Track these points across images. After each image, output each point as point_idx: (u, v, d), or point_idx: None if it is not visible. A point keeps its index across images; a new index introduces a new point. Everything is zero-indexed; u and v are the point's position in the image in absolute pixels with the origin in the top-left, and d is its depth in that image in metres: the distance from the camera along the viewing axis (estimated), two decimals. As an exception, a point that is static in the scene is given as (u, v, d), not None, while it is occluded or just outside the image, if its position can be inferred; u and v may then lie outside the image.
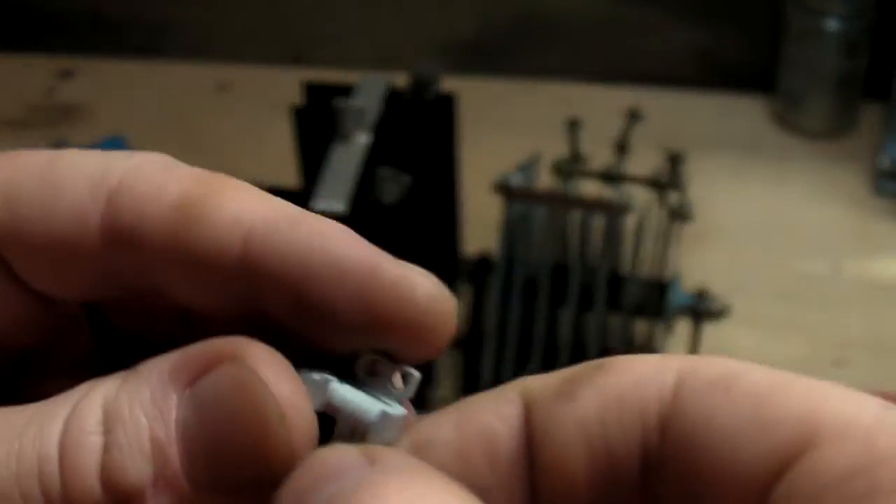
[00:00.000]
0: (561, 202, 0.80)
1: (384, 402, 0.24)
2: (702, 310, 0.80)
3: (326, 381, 0.23)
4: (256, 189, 0.22)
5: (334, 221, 0.22)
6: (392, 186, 0.68)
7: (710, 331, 0.81)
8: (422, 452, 0.22)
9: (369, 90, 0.74)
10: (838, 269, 0.89)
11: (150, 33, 1.11)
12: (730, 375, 0.20)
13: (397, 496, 0.19)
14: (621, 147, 0.84)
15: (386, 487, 0.19)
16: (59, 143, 0.98)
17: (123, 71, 1.11)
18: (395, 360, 0.24)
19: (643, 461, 0.21)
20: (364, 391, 0.24)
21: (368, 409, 0.23)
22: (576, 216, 0.81)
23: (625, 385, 0.21)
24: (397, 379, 0.24)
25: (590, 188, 0.83)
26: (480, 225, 0.85)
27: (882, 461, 0.18)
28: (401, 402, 0.24)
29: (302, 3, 1.08)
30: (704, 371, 0.21)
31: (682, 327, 0.81)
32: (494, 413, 0.22)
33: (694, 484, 0.20)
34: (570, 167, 0.83)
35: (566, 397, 0.21)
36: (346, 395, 0.24)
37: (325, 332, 0.22)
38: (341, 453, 0.20)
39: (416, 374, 0.24)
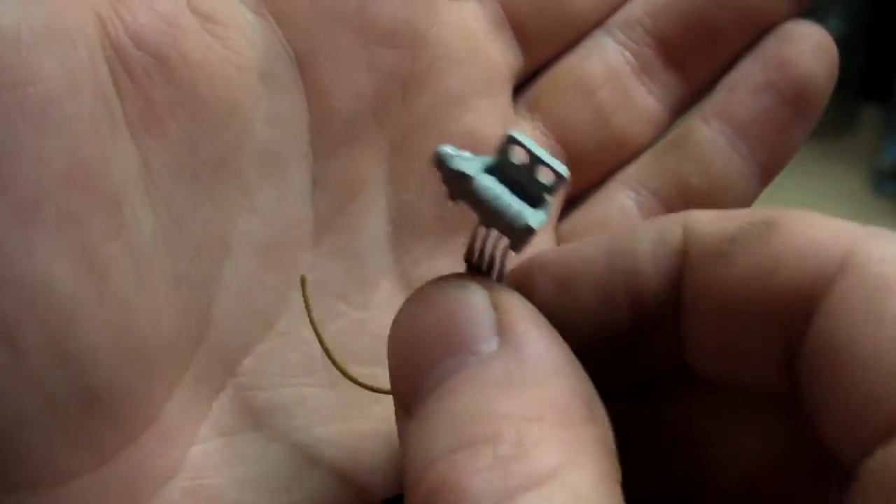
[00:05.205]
0: None
1: (527, 202, 0.23)
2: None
3: (470, 177, 0.22)
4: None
5: None
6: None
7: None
8: (564, 290, 0.22)
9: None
10: (838, 269, 0.88)
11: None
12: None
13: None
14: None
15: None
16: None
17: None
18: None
19: (785, 342, 0.19)
20: (508, 185, 0.23)
21: (510, 216, 0.22)
22: None
23: (786, 255, 0.20)
24: (546, 173, 0.23)
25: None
26: None
27: None
28: (545, 200, 0.23)
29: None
30: (875, 266, 0.18)
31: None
32: (650, 255, 0.21)
33: (833, 393, 0.18)
34: None
35: (723, 260, 0.20)
36: (489, 192, 0.22)
37: None
38: (473, 314, 0.20)
39: (565, 172, 0.22)
